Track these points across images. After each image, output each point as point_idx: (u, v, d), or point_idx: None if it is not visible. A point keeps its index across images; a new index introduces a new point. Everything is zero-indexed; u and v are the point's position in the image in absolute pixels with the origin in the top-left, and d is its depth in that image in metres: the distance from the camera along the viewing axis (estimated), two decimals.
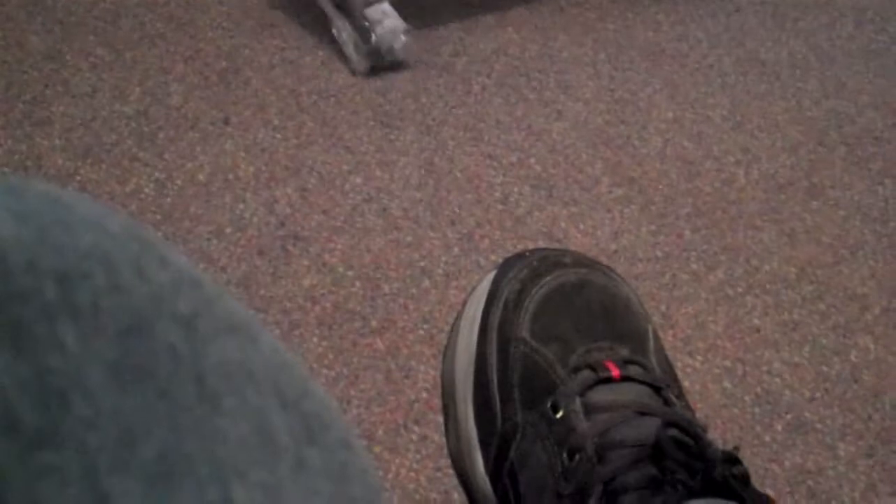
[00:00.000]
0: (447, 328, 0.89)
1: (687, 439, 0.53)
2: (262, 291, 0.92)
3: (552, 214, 1.03)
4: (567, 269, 0.60)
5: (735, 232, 1.04)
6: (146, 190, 1.00)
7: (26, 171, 1.00)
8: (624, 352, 0.58)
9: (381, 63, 1.16)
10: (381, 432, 0.83)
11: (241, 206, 1.00)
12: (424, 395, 0.86)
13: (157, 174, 1.02)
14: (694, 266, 1.00)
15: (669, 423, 0.53)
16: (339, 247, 0.97)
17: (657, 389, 0.56)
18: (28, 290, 0.20)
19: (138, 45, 1.16)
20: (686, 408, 0.57)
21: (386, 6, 1.16)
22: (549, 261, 0.60)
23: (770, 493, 0.83)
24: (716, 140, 1.14)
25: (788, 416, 0.89)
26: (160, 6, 1.22)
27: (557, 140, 1.11)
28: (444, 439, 0.67)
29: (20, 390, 0.19)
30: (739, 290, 0.98)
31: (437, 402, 0.84)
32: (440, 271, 0.96)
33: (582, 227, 1.02)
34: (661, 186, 1.08)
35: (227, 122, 1.08)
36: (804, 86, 1.24)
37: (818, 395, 0.91)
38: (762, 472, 0.84)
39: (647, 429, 0.53)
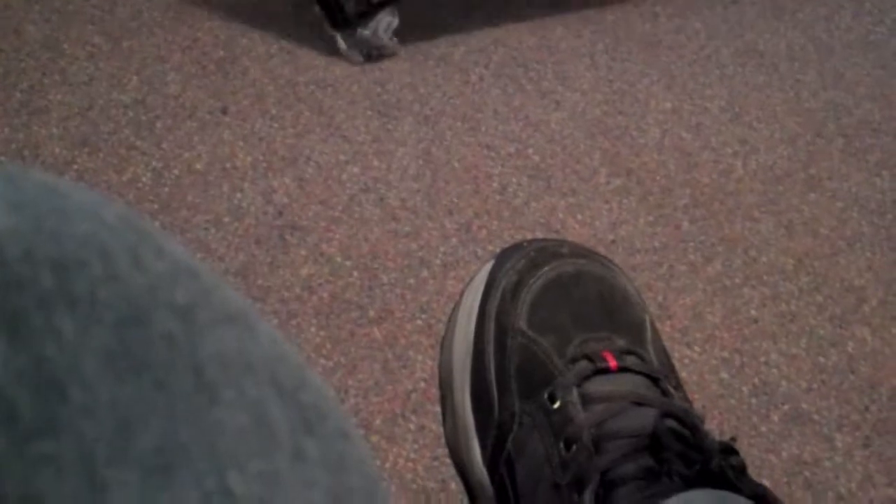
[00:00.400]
0: (445, 318, 0.89)
1: (684, 430, 0.53)
2: (259, 281, 0.92)
3: (550, 205, 1.03)
4: (565, 259, 0.60)
5: (733, 223, 1.04)
6: (143, 179, 1.00)
7: (23, 159, 1.00)
8: (621, 342, 0.58)
9: (372, 53, 1.15)
10: (378, 422, 0.83)
11: (239, 195, 0.99)
12: (422, 384, 0.86)
13: (154, 163, 1.02)
14: (692, 257, 1.00)
15: (667, 414, 0.53)
16: (337, 237, 0.97)
17: (654, 380, 0.56)
18: (24, 280, 0.20)
19: (136, 34, 1.16)
20: (683, 398, 0.57)
21: None
22: (546, 251, 0.60)
23: (767, 483, 0.83)
24: (714, 131, 1.14)
25: (785, 407, 0.89)
26: None
27: (555, 131, 1.11)
28: (441, 429, 0.67)
29: (17, 380, 0.19)
30: (737, 281, 0.98)
31: (434, 391, 0.85)
32: (438, 261, 0.96)
33: (580, 217, 1.02)
34: (658, 177, 1.08)
35: (224, 111, 1.08)
36: (802, 77, 1.23)
37: (815, 385, 0.91)
38: (759, 463, 0.84)
39: (645, 419, 0.53)
